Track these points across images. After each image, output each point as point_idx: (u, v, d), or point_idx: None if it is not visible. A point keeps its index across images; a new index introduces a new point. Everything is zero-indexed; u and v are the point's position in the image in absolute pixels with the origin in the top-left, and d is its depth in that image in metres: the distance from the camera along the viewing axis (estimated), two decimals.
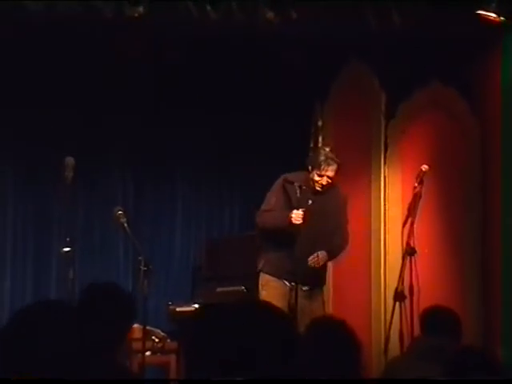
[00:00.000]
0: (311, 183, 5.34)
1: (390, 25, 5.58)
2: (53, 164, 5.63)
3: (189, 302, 6.08)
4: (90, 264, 6.42)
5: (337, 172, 5.34)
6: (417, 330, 4.50)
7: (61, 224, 6.16)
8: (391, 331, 5.19)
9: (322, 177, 5.31)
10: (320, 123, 6.62)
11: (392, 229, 6.02)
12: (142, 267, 5.09)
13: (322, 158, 5.31)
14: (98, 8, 5.24)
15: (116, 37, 5.82)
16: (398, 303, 5.15)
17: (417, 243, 5.25)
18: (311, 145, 6.69)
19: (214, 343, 1.90)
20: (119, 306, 2.92)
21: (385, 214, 6.12)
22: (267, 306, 2.14)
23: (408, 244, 5.22)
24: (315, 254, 5.23)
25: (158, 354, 5.92)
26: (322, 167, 5.29)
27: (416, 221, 5.26)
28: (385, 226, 6.11)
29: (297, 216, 5.16)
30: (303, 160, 6.69)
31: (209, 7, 5.39)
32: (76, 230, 6.05)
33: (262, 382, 1.89)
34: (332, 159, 5.31)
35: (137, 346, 5.52)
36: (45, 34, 5.77)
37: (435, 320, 3.81)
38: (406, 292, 5.17)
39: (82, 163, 5.50)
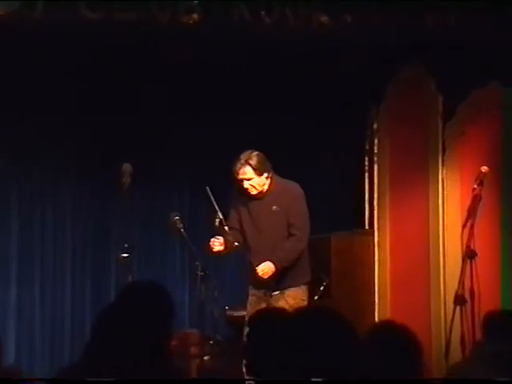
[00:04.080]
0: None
1: (446, 25, 5.51)
2: (111, 170, 5.70)
3: (245, 307, 6.08)
4: (148, 269, 6.48)
5: (257, 171, 5.28)
6: (479, 335, 4.42)
7: (119, 230, 6.24)
8: (452, 336, 5.11)
9: (242, 181, 5.32)
10: (375, 126, 6.58)
11: (451, 231, 5.94)
12: (198, 272, 5.12)
13: (235, 163, 5.32)
14: (153, 16, 5.29)
15: (172, 44, 5.87)
16: (458, 307, 5.07)
17: (477, 246, 5.16)
18: (367, 148, 6.65)
19: (277, 346, 1.91)
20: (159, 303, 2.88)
21: (443, 216, 6.04)
22: (328, 311, 2.13)
23: (468, 247, 5.15)
24: (258, 267, 5.23)
25: (216, 359, 5.94)
26: (235, 172, 5.32)
27: (476, 223, 5.18)
28: (443, 228, 6.02)
29: (212, 243, 5.24)
30: (358, 164, 6.66)
31: (263, 12, 5.40)
32: (134, 236, 6.12)
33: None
34: (239, 161, 5.30)
35: (194, 350, 5.54)
36: (102, 43, 5.85)
37: (497, 325, 3.72)
38: (467, 296, 5.09)
39: (139, 169, 5.56)
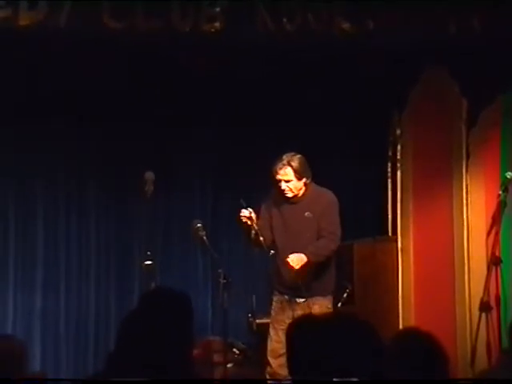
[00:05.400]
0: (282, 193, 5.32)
1: (469, 29, 5.47)
2: (134, 178, 5.73)
3: (268, 314, 6.06)
4: (170, 277, 6.48)
5: (298, 175, 5.24)
6: (505, 343, 4.37)
7: (142, 237, 6.26)
8: (477, 343, 5.06)
9: (280, 182, 5.27)
10: (398, 132, 6.54)
11: (475, 238, 5.89)
12: (221, 280, 5.11)
13: (276, 163, 5.27)
14: (175, 24, 5.31)
15: (194, 52, 5.89)
16: (483, 314, 5.03)
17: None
18: (389, 154, 6.62)
19: (308, 351, 1.93)
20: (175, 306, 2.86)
21: (467, 222, 5.99)
22: (353, 318, 2.13)
23: (493, 253, 5.10)
24: (289, 257, 5.15)
25: (239, 366, 5.93)
26: (275, 171, 5.27)
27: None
28: (468, 234, 5.97)
29: (242, 214, 5.17)
30: (381, 170, 6.63)
31: (285, 19, 5.40)
32: (156, 244, 6.13)
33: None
34: (281, 161, 5.24)
35: (218, 358, 5.54)
36: (123, 51, 5.88)
37: None
38: (492, 303, 5.04)
39: (161, 177, 5.57)
